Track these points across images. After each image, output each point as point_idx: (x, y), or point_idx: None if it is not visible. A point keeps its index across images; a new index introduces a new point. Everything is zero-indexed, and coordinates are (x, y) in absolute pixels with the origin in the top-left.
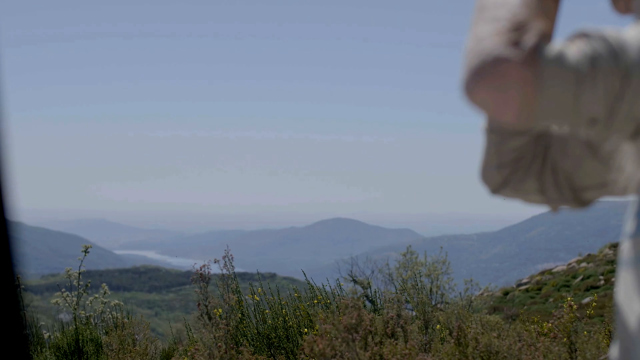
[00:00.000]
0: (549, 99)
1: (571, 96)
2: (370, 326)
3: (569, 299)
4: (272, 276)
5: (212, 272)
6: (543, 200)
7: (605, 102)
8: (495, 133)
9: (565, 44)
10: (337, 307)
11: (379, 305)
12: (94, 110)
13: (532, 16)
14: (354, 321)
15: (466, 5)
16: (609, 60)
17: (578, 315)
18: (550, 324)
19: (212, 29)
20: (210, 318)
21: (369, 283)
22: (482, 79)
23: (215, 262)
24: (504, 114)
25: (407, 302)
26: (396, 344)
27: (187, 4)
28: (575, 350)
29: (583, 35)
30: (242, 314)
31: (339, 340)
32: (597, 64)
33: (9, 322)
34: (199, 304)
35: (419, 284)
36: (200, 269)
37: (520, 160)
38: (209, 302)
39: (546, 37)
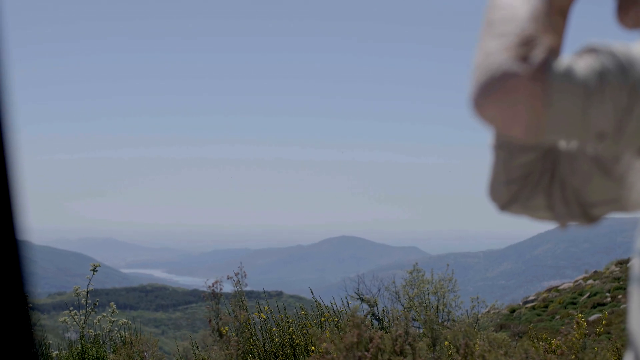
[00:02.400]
0: (557, 114)
1: (579, 111)
2: (379, 344)
3: (579, 315)
4: (279, 294)
5: (222, 290)
6: (551, 217)
7: (613, 116)
8: (504, 149)
9: (574, 59)
10: (336, 326)
11: (386, 323)
12: (102, 126)
13: (541, 31)
14: (355, 339)
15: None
16: (617, 75)
17: (586, 332)
18: (558, 341)
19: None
20: (221, 335)
21: (375, 301)
22: (491, 94)
23: (228, 278)
24: (512, 129)
25: (414, 320)
26: None
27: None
28: None
29: (591, 50)
30: (250, 332)
31: (342, 358)
32: (605, 78)
33: (19, 340)
34: (210, 321)
35: (426, 302)
36: (212, 286)
37: (529, 177)
38: (220, 319)
39: (554, 52)
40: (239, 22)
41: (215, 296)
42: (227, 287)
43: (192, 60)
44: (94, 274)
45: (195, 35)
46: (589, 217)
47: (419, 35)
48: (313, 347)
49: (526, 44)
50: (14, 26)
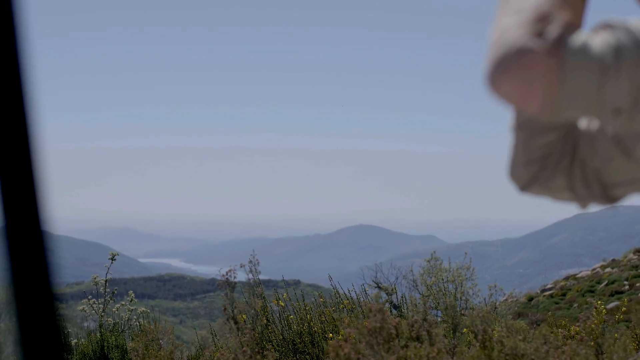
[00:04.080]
0: (573, 90)
1: (595, 87)
2: (395, 329)
3: (598, 302)
4: (297, 283)
5: (237, 278)
6: (572, 198)
7: (629, 93)
8: (523, 130)
9: (590, 35)
10: (362, 311)
11: (404, 312)
12: (121, 116)
13: (557, 7)
14: (378, 325)
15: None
16: (634, 51)
17: (605, 319)
18: (577, 327)
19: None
20: (236, 323)
21: (393, 289)
22: (506, 71)
23: (241, 267)
24: (527, 105)
25: (433, 308)
26: (421, 347)
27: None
28: (602, 353)
29: (607, 27)
30: (267, 319)
31: (364, 344)
32: (621, 55)
33: (45, 331)
34: (225, 309)
35: (444, 289)
36: (226, 274)
37: (549, 157)
38: (235, 307)
39: (571, 28)
40: (249, 12)
41: (229, 284)
42: (244, 276)
43: (212, 51)
44: (112, 262)
45: (216, 25)
46: (609, 197)
47: (433, 25)
48: (331, 335)
49: (542, 20)
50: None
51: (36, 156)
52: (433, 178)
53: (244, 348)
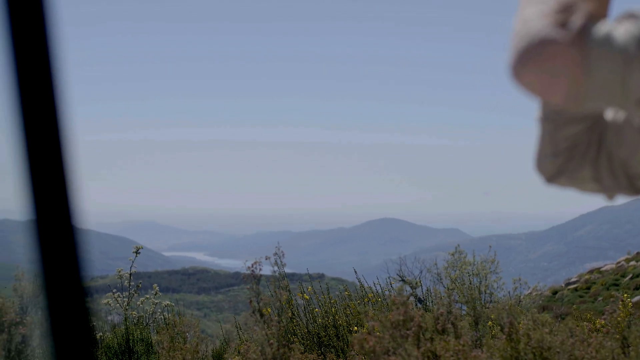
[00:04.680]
0: (596, 80)
1: (619, 77)
2: (420, 322)
3: (625, 295)
4: (321, 276)
5: (262, 271)
6: (598, 189)
7: None
8: (549, 121)
9: (613, 25)
10: (386, 304)
11: (429, 305)
12: (141, 108)
13: None
14: (402, 317)
15: None
16: None
17: (631, 311)
18: (602, 321)
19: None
20: (262, 315)
21: (417, 283)
22: (530, 61)
23: (266, 259)
24: (551, 96)
25: (458, 302)
26: (447, 340)
27: None
28: (628, 346)
29: (631, 17)
30: (292, 312)
31: (388, 337)
32: None
33: (76, 325)
34: (250, 302)
35: (468, 283)
36: (252, 267)
37: (575, 149)
38: (261, 300)
39: (594, 18)
40: (267, 4)
41: (254, 277)
42: (268, 269)
43: (238, 44)
44: (136, 256)
45: (246, 21)
46: (636, 189)
47: (461, 20)
48: (356, 328)
49: (565, 10)
50: None
51: (66, 149)
52: (457, 171)
53: (271, 341)
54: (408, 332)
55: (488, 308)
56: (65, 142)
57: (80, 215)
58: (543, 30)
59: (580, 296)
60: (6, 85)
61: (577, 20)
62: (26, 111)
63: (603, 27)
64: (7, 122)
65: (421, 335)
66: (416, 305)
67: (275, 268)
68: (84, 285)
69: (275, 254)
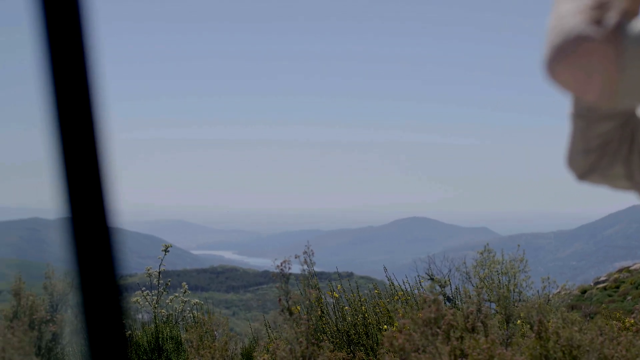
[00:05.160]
0: (631, 78)
1: None
2: (451, 321)
3: None
4: (350, 275)
5: (291, 269)
6: (630, 186)
7: None
8: (582, 118)
9: None
10: (416, 302)
11: (458, 304)
12: (169, 107)
13: None
14: (433, 315)
15: None
16: None
17: None
18: (632, 319)
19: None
20: (291, 314)
21: (446, 281)
22: (564, 58)
23: (296, 257)
24: (585, 93)
25: (487, 300)
26: (477, 338)
27: None
28: None
29: None
30: (321, 311)
31: (418, 334)
32: None
33: (111, 323)
34: (279, 300)
35: (497, 281)
36: (281, 265)
37: (607, 146)
38: (290, 298)
39: (629, 15)
40: (306, 4)
41: (283, 276)
42: (297, 268)
43: (266, 43)
44: (165, 254)
45: (270, 20)
46: None
47: (483, 19)
48: (385, 326)
49: (600, 6)
50: None
51: (102, 147)
52: (485, 171)
53: (300, 339)
54: (438, 330)
55: (517, 307)
56: (100, 141)
57: (114, 214)
58: (578, 27)
59: (609, 295)
60: (42, 83)
61: (612, 17)
62: (61, 109)
63: (638, 25)
64: (43, 121)
65: (451, 334)
66: (445, 303)
67: (305, 267)
68: (118, 284)
69: (305, 252)
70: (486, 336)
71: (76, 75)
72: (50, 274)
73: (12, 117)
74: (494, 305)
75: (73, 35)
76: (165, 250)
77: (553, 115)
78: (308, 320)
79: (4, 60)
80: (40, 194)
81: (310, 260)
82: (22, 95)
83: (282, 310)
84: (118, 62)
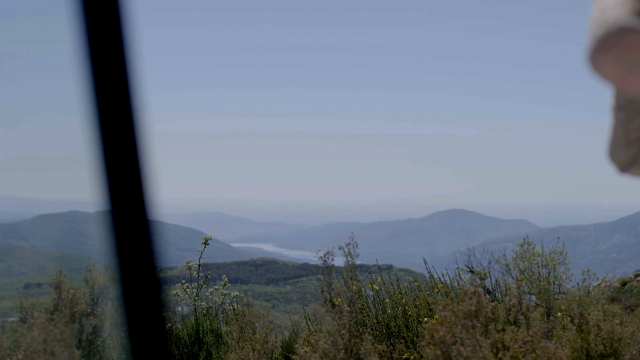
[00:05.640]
0: None
1: None
2: (492, 313)
3: None
4: (389, 267)
5: (334, 261)
6: None
7: None
8: (623, 111)
9: None
10: (456, 295)
11: (498, 297)
12: (212, 100)
13: None
14: (473, 308)
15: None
16: None
17: None
18: None
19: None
20: (333, 306)
21: (486, 274)
22: (607, 50)
23: (339, 249)
24: (628, 85)
25: (527, 293)
26: (518, 331)
27: None
28: None
29: None
30: (361, 303)
31: (459, 327)
32: None
33: (152, 316)
34: (322, 292)
35: (537, 274)
36: (324, 257)
37: None
38: (332, 290)
39: None
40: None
41: (326, 268)
42: (338, 261)
43: (311, 34)
44: (205, 247)
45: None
46: None
47: (509, 11)
48: (426, 319)
49: None
50: None
51: (142, 140)
52: (525, 163)
53: (342, 331)
54: (479, 322)
55: (557, 299)
56: (140, 133)
57: (154, 207)
58: (621, 19)
59: None
60: (82, 75)
61: None
62: (101, 100)
63: None
64: (82, 112)
65: (492, 326)
66: (485, 296)
67: (348, 258)
68: (159, 277)
69: (349, 244)
70: (528, 329)
71: (116, 65)
72: (90, 267)
73: (51, 108)
74: (533, 298)
75: (113, 24)
76: (205, 243)
77: (593, 107)
78: (351, 313)
79: (43, 51)
80: (80, 187)
81: (354, 252)
82: (62, 85)
83: (325, 302)
84: (158, 54)
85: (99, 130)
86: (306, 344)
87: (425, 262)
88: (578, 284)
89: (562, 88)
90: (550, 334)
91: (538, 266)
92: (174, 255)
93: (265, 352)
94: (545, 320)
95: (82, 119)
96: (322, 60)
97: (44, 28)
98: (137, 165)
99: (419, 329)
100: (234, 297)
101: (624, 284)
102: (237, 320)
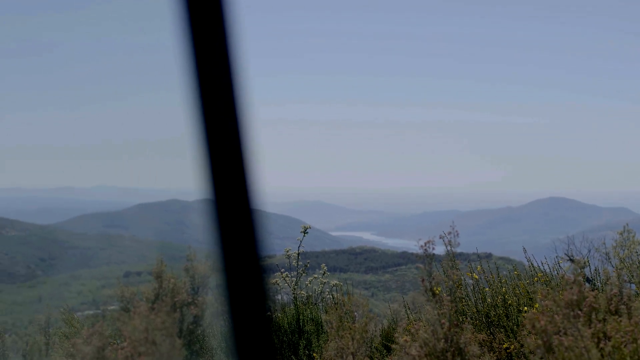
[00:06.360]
0: None
1: None
2: (594, 303)
3: None
4: (488, 256)
5: (434, 250)
6: None
7: None
8: None
9: None
10: (557, 284)
11: (598, 285)
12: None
13: None
14: (575, 297)
15: None
16: None
17: None
18: None
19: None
20: (434, 294)
21: (586, 262)
22: None
23: (440, 237)
24: None
25: (628, 282)
26: (620, 321)
27: None
28: None
29: None
30: (461, 292)
31: (561, 316)
32: None
33: (254, 305)
34: (422, 280)
35: (638, 262)
36: (425, 245)
37: None
38: (433, 278)
39: None
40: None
41: (427, 256)
42: (438, 249)
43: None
44: (304, 235)
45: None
46: None
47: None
48: (526, 308)
49: None
50: None
51: (245, 129)
52: (622, 151)
53: (442, 320)
54: (580, 312)
55: None
56: (243, 121)
57: (257, 195)
58: None
59: None
60: (185, 64)
61: None
62: (204, 87)
63: None
64: (186, 99)
65: (593, 316)
66: (584, 284)
67: (448, 247)
68: (261, 266)
69: (450, 232)
70: (629, 319)
71: (219, 52)
72: (191, 256)
73: (151, 87)
74: (634, 287)
75: (215, 10)
76: (304, 232)
77: None
78: (451, 302)
79: (145, 29)
80: (181, 175)
81: (455, 241)
82: (165, 68)
83: (425, 291)
84: (260, 39)
85: (202, 115)
86: (406, 332)
87: (524, 250)
88: None
89: None
90: None
91: (639, 255)
92: (273, 244)
93: (364, 341)
94: None
95: (184, 103)
96: (419, 50)
97: (150, 8)
98: (240, 153)
99: (519, 318)
100: (333, 285)
101: None
102: (336, 309)
